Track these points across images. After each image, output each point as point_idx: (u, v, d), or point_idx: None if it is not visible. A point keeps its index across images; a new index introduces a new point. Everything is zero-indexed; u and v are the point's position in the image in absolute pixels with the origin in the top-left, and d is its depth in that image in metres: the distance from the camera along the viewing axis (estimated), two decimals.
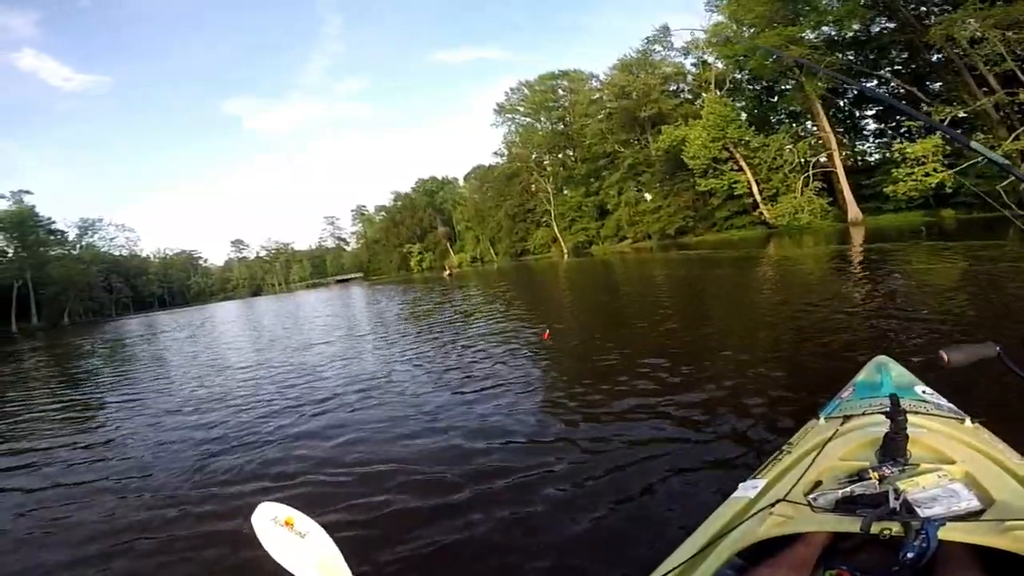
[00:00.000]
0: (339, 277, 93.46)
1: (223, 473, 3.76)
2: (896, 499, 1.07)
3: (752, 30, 26.07)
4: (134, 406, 6.70)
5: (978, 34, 18.31)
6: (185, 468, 4.01)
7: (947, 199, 21.41)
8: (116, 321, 48.31)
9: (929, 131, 20.69)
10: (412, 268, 78.25)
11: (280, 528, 1.79)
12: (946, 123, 20.39)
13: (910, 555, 0.95)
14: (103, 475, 4.12)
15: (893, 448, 1.27)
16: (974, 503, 1.06)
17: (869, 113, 28.53)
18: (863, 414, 1.62)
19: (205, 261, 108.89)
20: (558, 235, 51.27)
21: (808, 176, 26.69)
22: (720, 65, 32.19)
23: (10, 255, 50.69)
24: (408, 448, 3.72)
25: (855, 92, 26.60)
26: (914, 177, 20.43)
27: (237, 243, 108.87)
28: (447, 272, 40.80)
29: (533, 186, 54.61)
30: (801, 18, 24.35)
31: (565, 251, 48.87)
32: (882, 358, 2.14)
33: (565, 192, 51.89)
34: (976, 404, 2.31)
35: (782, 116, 31.65)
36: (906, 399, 1.55)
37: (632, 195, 42.05)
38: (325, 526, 1.61)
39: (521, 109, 54.42)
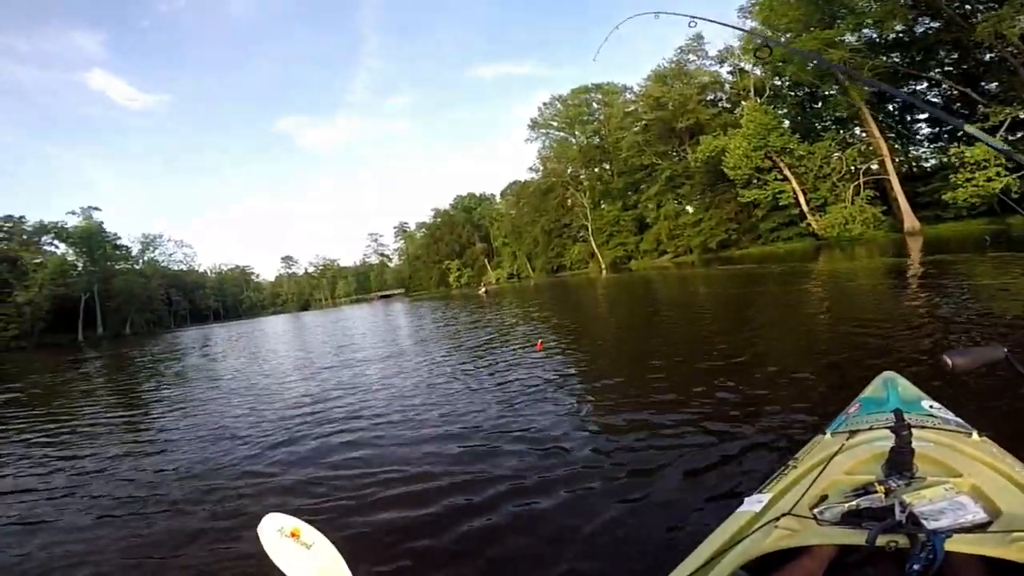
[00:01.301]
0: (382, 293, 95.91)
1: (243, 478, 3.85)
2: (902, 512, 1.06)
3: (788, 35, 25.18)
4: (178, 411, 7.03)
5: None
6: (210, 468, 4.19)
7: (1016, 205, 19.76)
8: (174, 332, 51.29)
9: (988, 132, 19.15)
10: (451, 284, 79.34)
11: (286, 539, 1.83)
12: (1006, 125, 18.96)
13: (916, 567, 0.93)
14: (126, 476, 4.33)
15: (899, 462, 1.26)
16: (981, 515, 1.05)
17: (921, 117, 26.83)
18: (869, 428, 1.63)
19: (257, 276, 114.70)
20: (595, 250, 50.67)
21: (859, 184, 25.31)
22: (758, 72, 31.30)
23: (80, 269, 54.44)
24: (425, 458, 3.76)
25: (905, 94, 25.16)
26: (974, 183, 18.94)
27: (287, 259, 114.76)
28: (483, 289, 41.08)
29: (569, 201, 54.42)
30: (839, 21, 23.30)
31: (603, 266, 48.16)
32: (889, 373, 2.13)
33: (602, 206, 51.28)
34: (985, 417, 2.42)
35: (828, 122, 30.18)
36: (912, 414, 1.56)
37: (672, 208, 41.15)
38: (336, 537, 1.63)
39: (555, 123, 54.71)
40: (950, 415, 1.75)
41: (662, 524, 2.45)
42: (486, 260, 77.92)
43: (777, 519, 1.18)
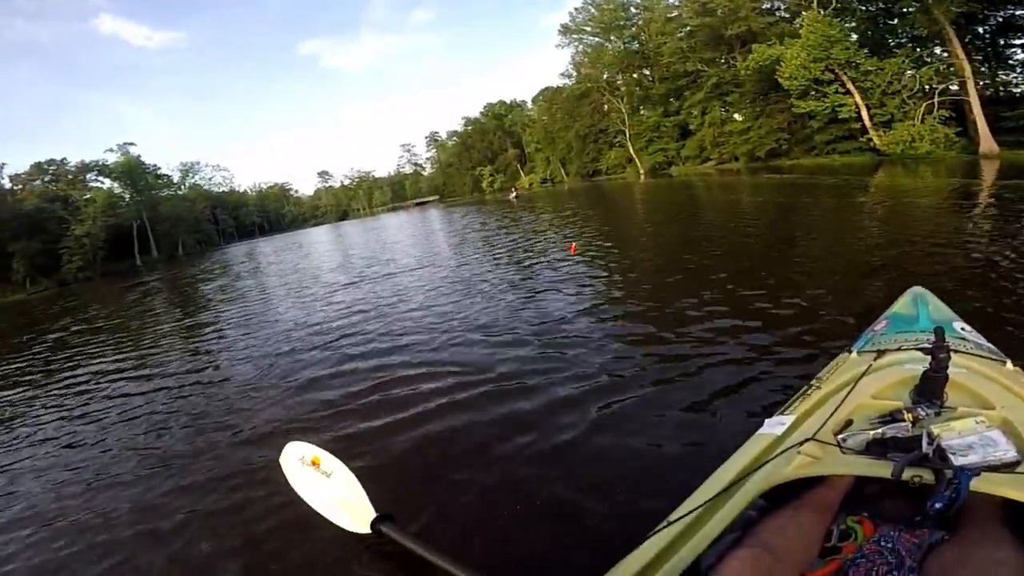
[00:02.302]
0: (417, 200, 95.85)
1: (272, 399, 4.10)
2: (929, 444, 1.02)
3: None
4: (220, 329, 7.74)
5: None
6: (243, 388, 4.52)
7: None
8: (223, 248, 54.76)
9: None
10: (484, 189, 78.25)
11: (307, 468, 1.85)
12: None
13: (938, 505, 0.91)
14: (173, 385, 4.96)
15: (930, 388, 1.19)
16: (1011, 453, 0.98)
17: (1018, 42, 22.43)
18: (899, 349, 1.54)
19: (296, 192, 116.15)
20: (633, 155, 48.03)
21: (932, 103, 22.28)
22: None
23: (127, 200, 57.05)
24: (446, 377, 3.80)
25: (1001, 18, 20.91)
26: None
27: (323, 174, 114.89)
28: (513, 194, 39.86)
29: (606, 106, 50.68)
30: None
31: (641, 172, 45.88)
32: (918, 289, 2.00)
33: (641, 112, 47.51)
34: (1019, 346, 2.16)
35: (903, 39, 25.70)
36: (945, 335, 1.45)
37: (718, 115, 37.73)
38: (357, 466, 1.68)
39: (588, 29, 49.11)
40: (983, 340, 1.64)
41: (685, 441, 2.41)
42: (519, 166, 75.60)
43: (800, 444, 1.14)
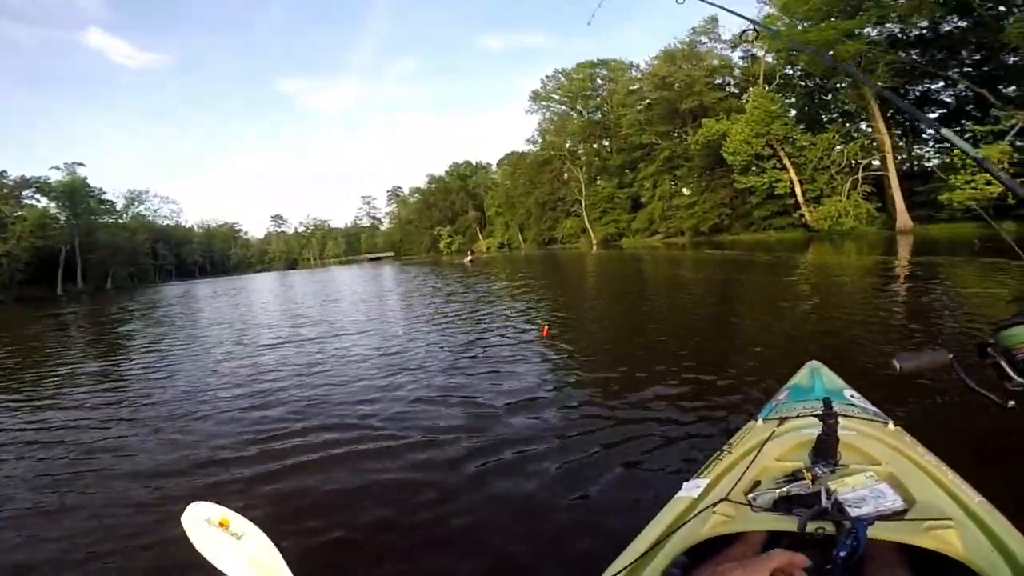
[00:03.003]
0: (371, 255, 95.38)
1: (182, 455, 3.69)
2: (828, 499, 1.12)
3: (807, 23, 24.32)
4: (134, 376, 6.91)
5: None
6: (148, 440, 4.06)
7: (1009, 210, 19.72)
8: (157, 287, 50.90)
9: (997, 136, 18.94)
10: (441, 250, 79.02)
11: (214, 529, 1.71)
12: (1015, 130, 18.73)
13: (842, 553, 0.97)
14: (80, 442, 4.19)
15: (825, 449, 1.33)
16: (899, 503, 1.12)
17: (932, 115, 26.37)
18: (797, 416, 1.69)
19: (246, 233, 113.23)
20: (588, 225, 50.38)
21: (857, 179, 25.11)
22: (770, 59, 30.44)
23: (61, 222, 53.32)
24: (366, 437, 3.67)
25: (918, 93, 24.55)
26: (974, 185, 18.84)
27: (277, 218, 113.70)
28: (468, 258, 39.13)
29: (565, 175, 53.80)
30: (861, 12, 22.50)
31: (594, 242, 48.01)
32: (815, 363, 2.21)
33: (598, 182, 50.63)
34: (897, 406, 2.83)
35: (834, 115, 29.54)
36: (836, 403, 1.61)
37: (667, 188, 40.73)
38: (273, 527, 1.51)
39: (557, 96, 53.50)
40: (868, 404, 1.85)
41: (607, 508, 2.48)
42: (478, 228, 77.42)
43: (714, 504, 1.21)
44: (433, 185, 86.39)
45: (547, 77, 53.83)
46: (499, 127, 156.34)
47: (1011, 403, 1.04)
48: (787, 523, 1.09)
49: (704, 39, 36.45)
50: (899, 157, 26.36)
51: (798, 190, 28.24)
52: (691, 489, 1.39)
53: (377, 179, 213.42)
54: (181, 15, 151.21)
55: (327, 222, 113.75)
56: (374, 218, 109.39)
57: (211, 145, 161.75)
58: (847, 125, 28.33)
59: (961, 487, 1.24)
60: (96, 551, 2.56)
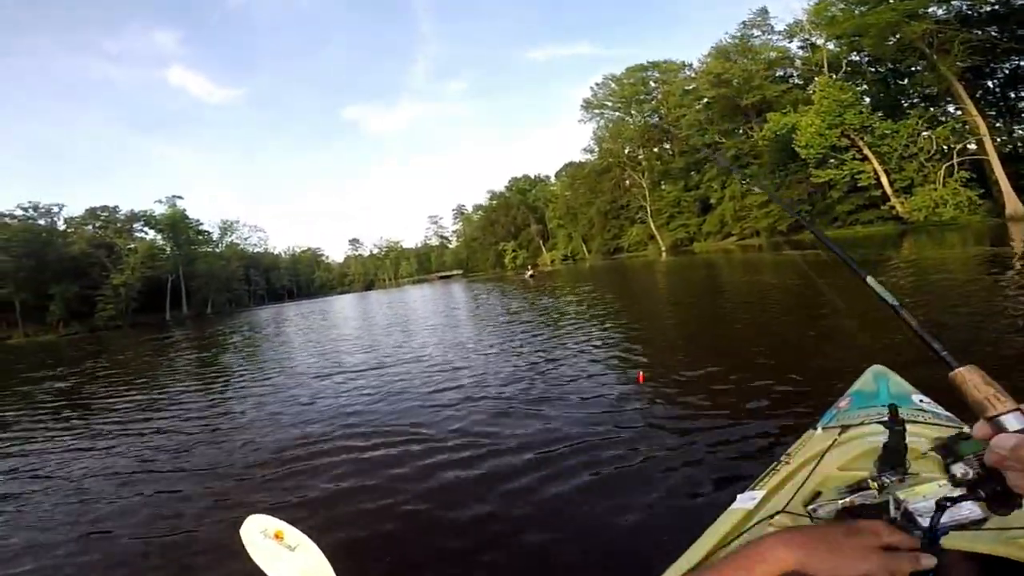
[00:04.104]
0: (442, 273, 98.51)
1: (252, 470, 4.00)
2: (897, 509, 1.04)
3: (863, 7, 22.33)
4: (232, 391, 7.77)
5: None
6: (228, 454, 4.46)
7: None
8: (251, 311, 55.50)
9: None
10: (506, 265, 79.79)
11: (269, 540, 1.83)
12: None
13: None
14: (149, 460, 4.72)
15: (892, 457, 1.24)
16: (976, 512, 0.97)
17: None
18: (861, 424, 1.63)
19: (327, 257, 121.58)
20: (655, 232, 48.94)
21: (952, 165, 22.51)
22: (831, 47, 28.28)
23: (167, 252, 59.84)
24: (428, 459, 3.73)
25: (1008, 70, 21.67)
26: None
27: (354, 241, 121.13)
28: (529, 273, 37.94)
29: (627, 181, 52.65)
30: None
31: (663, 248, 46.50)
32: (879, 367, 2.11)
33: (662, 187, 49.22)
34: (973, 413, 2.24)
35: (915, 99, 26.78)
36: (904, 408, 1.55)
37: (738, 188, 38.74)
38: (324, 538, 1.58)
39: (609, 103, 52.46)
40: (941, 410, 1.75)
41: (661, 517, 2.48)
42: (541, 242, 77.58)
43: (771, 517, 1.18)
44: (494, 201, 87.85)
45: (597, 84, 52.99)
46: (554, 139, 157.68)
47: None
48: None
49: (757, 32, 34.71)
50: (998, 139, 23.23)
51: (884, 180, 25.75)
52: (746, 501, 1.35)
53: (443, 199, 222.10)
54: (251, 48, 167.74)
55: (399, 243, 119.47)
56: (442, 237, 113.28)
57: (288, 172, 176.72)
58: (931, 109, 25.46)
59: None
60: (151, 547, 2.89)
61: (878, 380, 1.99)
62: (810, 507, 1.20)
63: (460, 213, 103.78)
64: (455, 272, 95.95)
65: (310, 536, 1.73)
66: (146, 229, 60.15)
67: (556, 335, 8.76)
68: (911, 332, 0.72)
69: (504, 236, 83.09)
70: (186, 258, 60.40)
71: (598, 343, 7.40)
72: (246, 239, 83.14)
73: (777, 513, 1.19)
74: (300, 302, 68.41)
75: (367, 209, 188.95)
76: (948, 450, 0.67)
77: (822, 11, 26.14)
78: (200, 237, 67.01)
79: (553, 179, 79.16)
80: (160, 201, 61.60)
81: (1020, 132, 24.80)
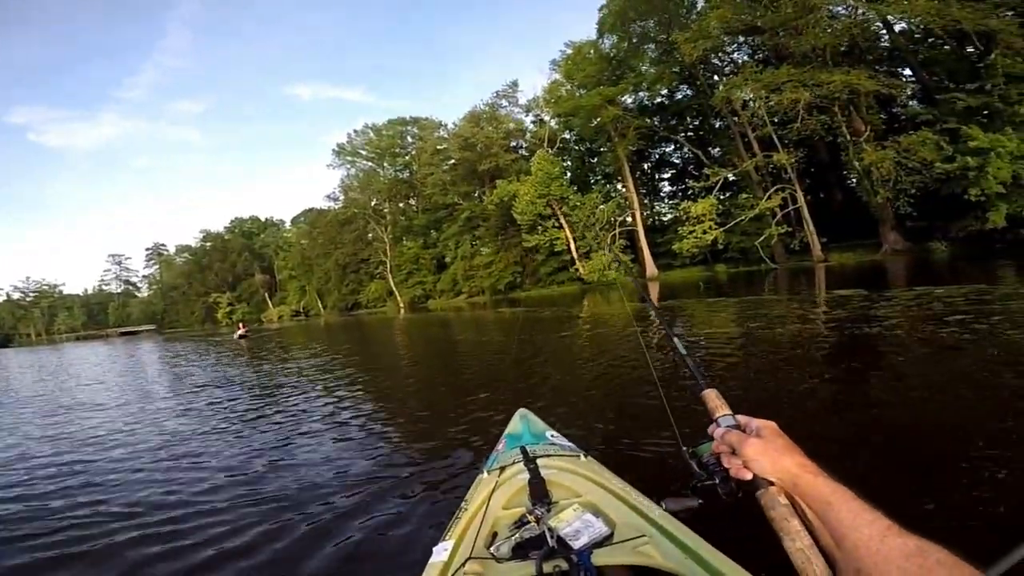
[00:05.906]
0: (124, 328, 77.47)
1: None
2: (551, 537, 1.22)
3: (582, 90, 29.15)
4: None
5: (748, 95, 21.89)
6: None
7: (719, 255, 25.55)
8: None
9: (708, 191, 24.33)
10: (219, 320, 68.16)
11: None
12: (719, 185, 24.44)
13: None
14: None
15: (537, 491, 1.45)
16: (604, 529, 1.24)
17: (666, 176, 33.49)
18: (513, 463, 1.79)
19: None
20: (394, 288, 49.20)
21: (615, 234, 30.03)
22: (554, 124, 35.16)
23: None
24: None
25: (658, 155, 31.12)
26: (695, 235, 24.06)
27: None
28: (238, 333, 27.57)
29: (370, 234, 52.16)
30: (622, 80, 28.03)
31: (401, 305, 46.81)
32: (523, 410, 2.38)
33: (404, 242, 50.23)
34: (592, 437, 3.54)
35: (599, 177, 35.37)
36: (539, 445, 1.86)
37: (468, 248, 42.50)
38: None
39: (364, 152, 52.66)
40: (565, 441, 2.06)
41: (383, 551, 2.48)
42: (267, 294, 69.44)
43: (463, 564, 1.26)
44: (209, 244, 75.14)
45: (356, 131, 53.00)
46: (298, 181, 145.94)
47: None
48: (527, 568, 1.14)
49: (504, 102, 39.85)
50: (644, 213, 32.59)
51: (572, 246, 32.35)
52: (440, 553, 1.42)
53: (134, 234, 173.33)
54: None
55: (59, 286, 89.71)
56: (128, 283, 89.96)
57: None
58: (607, 185, 34.30)
59: (646, 504, 1.41)
60: None
61: (521, 421, 2.23)
62: (492, 548, 1.30)
63: (158, 254, 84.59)
64: (145, 327, 76.64)
65: None
66: None
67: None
68: (683, 363, 0.91)
69: (218, 286, 71.41)
70: None
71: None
72: None
73: (467, 560, 1.27)
74: None
75: (15, 239, 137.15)
76: (693, 451, 0.79)
77: (555, 90, 32.41)
78: None
79: (289, 224, 73.05)
80: None
81: (658, 208, 35.45)
